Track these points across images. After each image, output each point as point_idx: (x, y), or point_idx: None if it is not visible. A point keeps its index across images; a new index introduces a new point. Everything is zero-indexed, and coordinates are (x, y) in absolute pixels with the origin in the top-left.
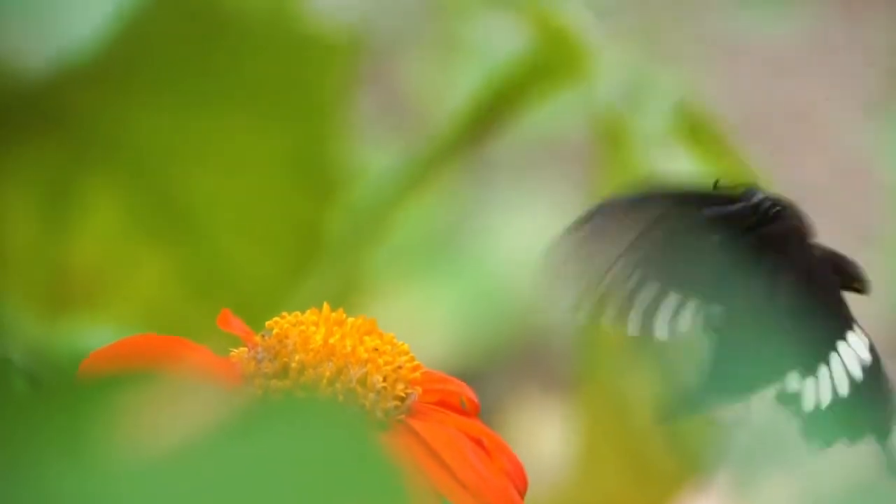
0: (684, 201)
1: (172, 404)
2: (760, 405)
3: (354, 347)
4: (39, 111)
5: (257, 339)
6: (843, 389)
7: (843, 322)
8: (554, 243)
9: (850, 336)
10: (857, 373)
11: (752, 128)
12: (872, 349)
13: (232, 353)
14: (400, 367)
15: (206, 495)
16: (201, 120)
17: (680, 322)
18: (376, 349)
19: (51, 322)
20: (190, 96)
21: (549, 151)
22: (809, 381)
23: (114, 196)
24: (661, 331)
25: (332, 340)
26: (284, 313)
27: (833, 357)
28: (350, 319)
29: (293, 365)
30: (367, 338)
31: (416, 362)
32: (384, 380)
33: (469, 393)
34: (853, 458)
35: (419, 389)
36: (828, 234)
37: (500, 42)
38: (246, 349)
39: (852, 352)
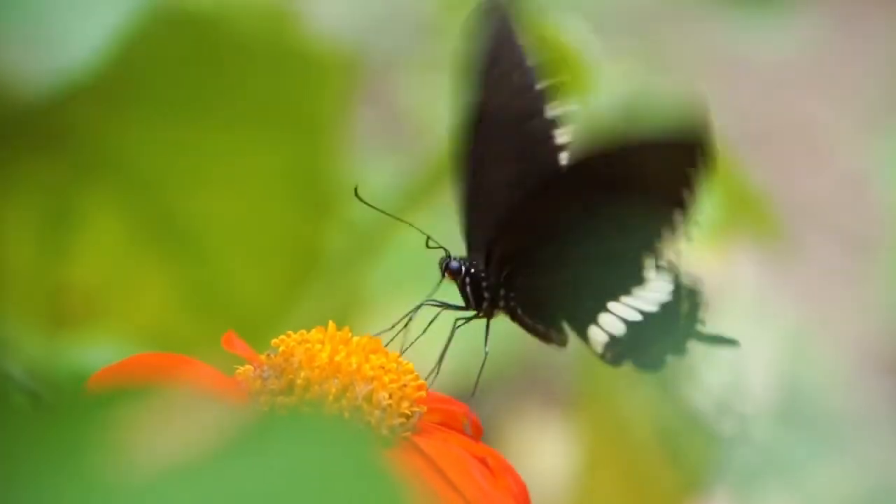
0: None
1: (178, 420)
2: (760, 421)
3: (360, 365)
4: (40, 129)
5: (263, 357)
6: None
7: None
8: None
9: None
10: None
11: (753, 142)
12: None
13: (237, 371)
14: (405, 386)
15: None
16: (201, 138)
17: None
18: (382, 367)
19: (51, 339)
20: (189, 115)
21: None
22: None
23: (114, 214)
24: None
25: (337, 358)
26: (290, 332)
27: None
28: (355, 338)
29: (299, 382)
30: (372, 356)
31: (420, 381)
32: (390, 397)
33: (471, 415)
34: (852, 472)
35: (424, 408)
36: (827, 247)
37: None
38: (251, 367)
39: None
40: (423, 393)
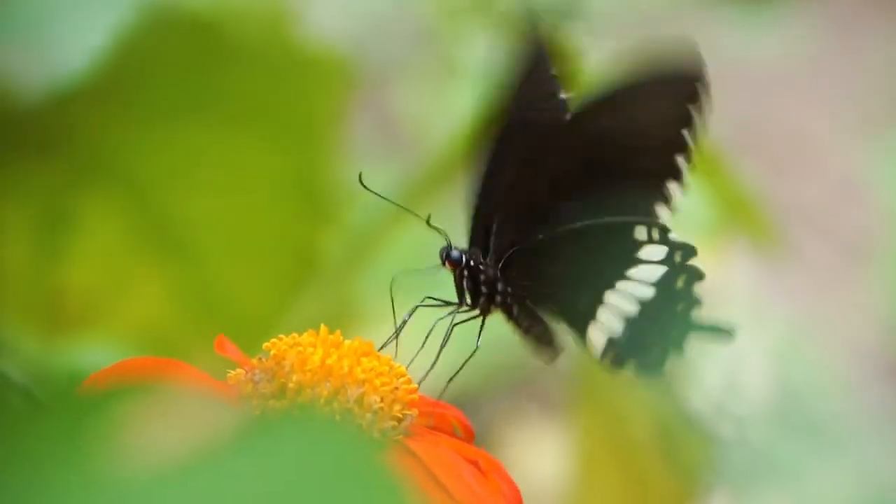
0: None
1: (172, 422)
2: (757, 424)
3: (352, 368)
4: (37, 132)
5: (255, 360)
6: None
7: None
8: None
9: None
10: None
11: (748, 146)
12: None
13: (229, 375)
14: (397, 389)
15: None
16: (197, 142)
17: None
18: (373, 370)
19: (48, 341)
20: (186, 118)
21: None
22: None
23: (110, 217)
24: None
25: (329, 361)
26: (281, 335)
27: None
28: (347, 341)
29: (290, 385)
30: (364, 359)
31: (412, 384)
32: (381, 400)
33: (462, 418)
34: (849, 475)
35: (416, 411)
36: (823, 251)
37: (495, 65)
38: (243, 371)
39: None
40: (414, 396)
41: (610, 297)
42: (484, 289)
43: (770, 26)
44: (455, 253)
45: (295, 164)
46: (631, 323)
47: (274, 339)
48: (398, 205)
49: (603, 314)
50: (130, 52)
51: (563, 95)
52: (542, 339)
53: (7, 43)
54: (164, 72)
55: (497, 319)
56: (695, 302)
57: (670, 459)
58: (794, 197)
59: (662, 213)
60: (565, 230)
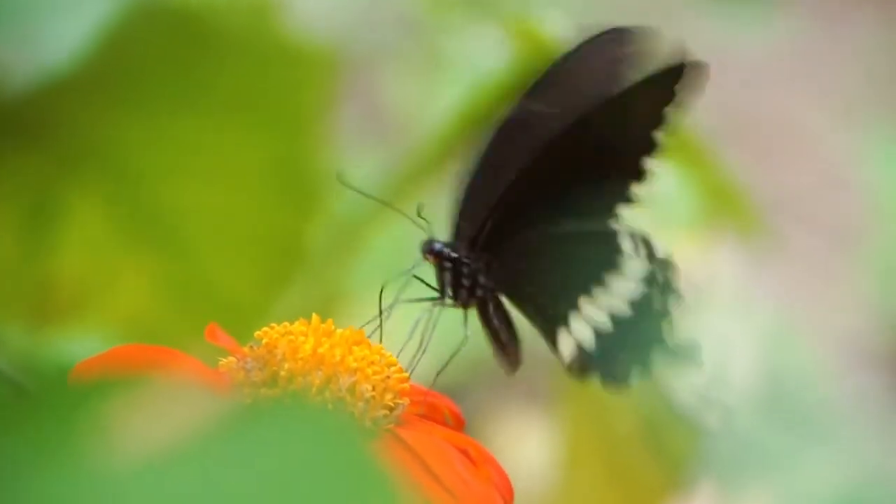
0: None
1: (163, 410)
2: (744, 415)
3: (343, 357)
4: (23, 123)
5: (246, 349)
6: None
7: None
8: None
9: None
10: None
11: (734, 136)
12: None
13: (221, 363)
14: (388, 378)
15: (196, 498)
16: (183, 131)
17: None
18: (365, 359)
19: (36, 332)
20: (172, 108)
21: None
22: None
23: (98, 207)
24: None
25: (321, 350)
26: (273, 324)
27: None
28: (339, 330)
29: (282, 374)
30: (355, 348)
31: (404, 373)
32: (373, 389)
33: (453, 407)
34: (835, 465)
35: (407, 400)
36: (809, 241)
37: (481, 55)
38: (234, 359)
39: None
40: (406, 385)
41: (585, 305)
42: (465, 282)
43: (756, 16)
44: (437, 245)
45: (282, 153)
46: (603, 335)
47: (265, 328)
48: (379, 200)
49: (576, 322)
50: (117, 43)
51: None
52: (508, 345)
53: None
54: (150, 62)
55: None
56: (669, 322)
57: (656, 450)
58: (780, 187)
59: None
60: (551, 233)
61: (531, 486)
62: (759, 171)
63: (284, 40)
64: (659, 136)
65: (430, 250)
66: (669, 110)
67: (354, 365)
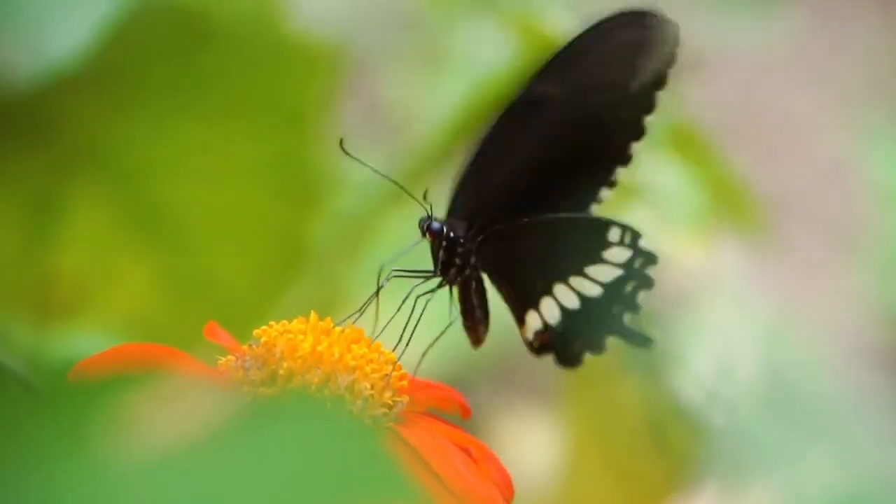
0: None
1: (168, 408)
2: (747, 412)
3: (342, 355)
4: (25, 120)
5: (245, 347)
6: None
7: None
8: None
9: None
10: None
11: (735, 134)
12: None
13: (220, 362)
14: (388, 376)
15: (203, 495)
16: (186, 129)
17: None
18: (364, 357)
19: (38, 329)
20: (174, 106)
21: None
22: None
23: (99, 204)
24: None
25: (319, 348)
26: (272, 322)
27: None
28: (337, 328)
29: (281, 372)
30: (354, 346)
31: (403, 371)
32: (372, 387)
33: (459, 398)
34: (838, 463)
35: (407, 398)
36: (810, 237)
37: (483, 52)
38: (233, 357)
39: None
40: (405, 382)
41: (559, 289)
42: (457, 260)
43: (757, 14)
44: (436, 224)
45: (283, 151)
46: (569, 315)
47: (264, 326)
48: (388, 178)
49: (546, 303)
50: (120, 42)
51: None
52: (479, 323)
53: None
54: (152, 61)
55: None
56: (633, 308)
57: (659, 448)
58: (781, 184)
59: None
60: (542, 217)
61: (534, 483)
62: (761, 169)
63: (286, 38)
64: (648, 121)
65: (428, 228)
66: (659, 95)
67: (353, 363)
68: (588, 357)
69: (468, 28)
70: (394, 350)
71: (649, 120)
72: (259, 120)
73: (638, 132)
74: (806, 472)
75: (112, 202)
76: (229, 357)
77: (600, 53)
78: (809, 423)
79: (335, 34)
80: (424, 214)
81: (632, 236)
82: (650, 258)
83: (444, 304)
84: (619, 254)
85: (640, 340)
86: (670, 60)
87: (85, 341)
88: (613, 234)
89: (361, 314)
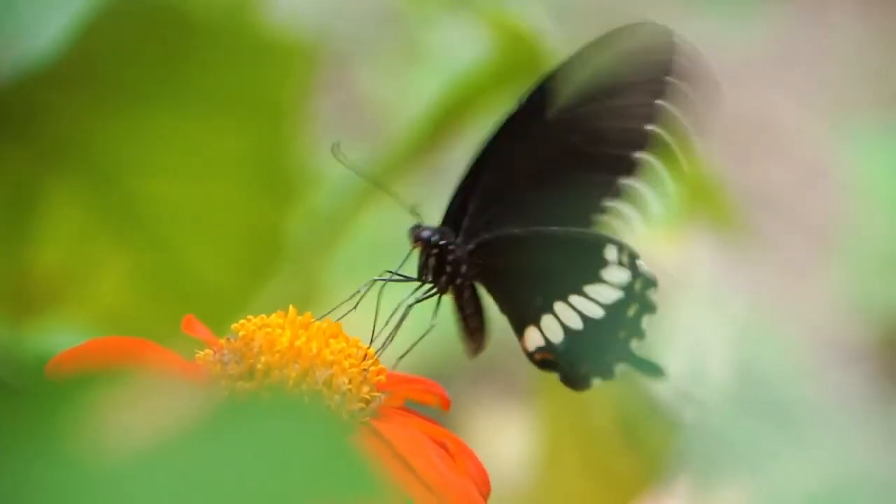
0: None
1: (143, 404)
2: (720, 410)
3: (320, 350)
4: (1, 117)
5: (223, 341)
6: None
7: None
8: None
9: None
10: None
11: (715, 134)
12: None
13: (197, 356)
14: (365, 370)
15: (179, 491)
16: (163, 124)
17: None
18: (342, 352)
19: (14, 325)
20: (152, 101)
21: None
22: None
23: (76, 200)
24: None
25: (297, 343)
26: (250, 316)
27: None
28: (316, 323)
29: (259, 367)
30: (332, 341)
31: (380, 365)
32: (349, 382)
33: (439, 389)
34: (811, 461)
35: (384, 393)
36: (787, 237)
37: (460, 48)
38: (211, 352)
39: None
40: (382, 377)
41: (559, 307)
42: (448, 268)
43: (736, 14)
44: (426, 233)
45: (261, 146)
46: (572, 335)
47: (242, 321)
48: (369, 178)
49: (547, 320)
50: (96, 36)
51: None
52: (476, 332)
53: None
54: (130, 56)
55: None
56: (639, 333)
57: (633, 445)
58: (758, 183)
59: (619, 207)
60: (539, 232)
61: (509, 478)
62: (738, 167)
63: (263, 33)
64: (652, 130)
65: (417, 237)
66: (661, 104)
67: (331, 358)
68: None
69: (445, 24)
70: (370, 345)
71: (652, 130)
72: (236, 115)
73: (640, 142)
74: (779, 471)
75: (89, 197)
76: (207, 351)
77: (603, 68)
78: (783, 421)
79: (312, 30)
80: (414, 223)
81: (629, 256)
82: (649, 281)
83: (429, 304)
84: (617, 274)
85: (650, 369)
86: (668, 70)
87: (61, 336)
88: (610, 253)
89: (355, 308)
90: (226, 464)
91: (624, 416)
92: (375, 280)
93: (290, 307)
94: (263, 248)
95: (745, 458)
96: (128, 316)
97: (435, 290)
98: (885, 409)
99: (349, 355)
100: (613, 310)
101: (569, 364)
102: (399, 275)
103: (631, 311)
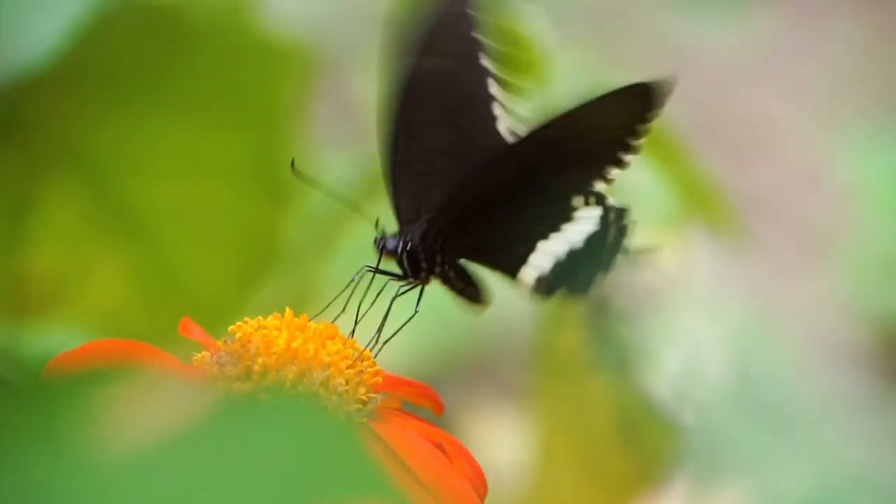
0: None
1: (143, 404)
2: (717, 410)
3: (317, 351)
4: None
5: (220, 343)
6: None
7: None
8: None
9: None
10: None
11: (706, 134)
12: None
13: (195, 358)
14: (362, 372)
15: (178, 491)
16: (159, 128)
17: None
18: (339, 353)
19: (13, 326)
20: (147, 105)
21: None
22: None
23: (72, 202)
24: None
25: (294, 344)
26: (247, 318)
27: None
28: (312, 324)
29: (256, 368)
30: (329, 342)
31: (377, 367)
32: (346, 383)
33: (433, 394)
34: (808, 462)
35: (381, 394)
36: (782, 239)
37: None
38: (208, 353)
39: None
40: (379, 378)
41: (542, 245)
42: (424, 265)
43: (730, 15)
44: (391, 244)
45: (255, 150)
46: (560, 262)
47: (239, 322)
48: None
49: (534, 258)
50: (91, 39)
51: (482, 60)
52: (474, 298)
53: None
54: (125, 59)
55: (438, 300)
56: (623, 250)
57: (630, 446)
58: (753, 185)
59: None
60: (503, 195)
61: (505, 480)
62: (733, 169)
63: (258, 38)
64: (632, 141)
65: (382, 248)
66: (639, 125)
67: (328, 359)
68: (557, 355)
69: None
70: (368, 347)
71: (633, 141)
72: (231, 118)
73: (623, 147)
74: (777, 471)
75: (85, 200)
76: (204, 353)
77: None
78: (781, 422)
79: (307, 34)
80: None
81: (595, 198)
82: (621, 210)
83: (413, 295)
84: (589, 212)
85: (643, 252)
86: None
87: (59, 338)
88: (577, 201)
89: (343, 311)
90: (225, 464)
91: (621, 417)
92: (366, 268)
93: (287, 309)
94: (259, 251)
95: (743, 458)
96: (125, 318)
97: (419, 283)
98: (883, 409)
99: (346, 357)
100: (594, 237)
101: (566, 280)
102: (388, 273)
103: (610, 237)
